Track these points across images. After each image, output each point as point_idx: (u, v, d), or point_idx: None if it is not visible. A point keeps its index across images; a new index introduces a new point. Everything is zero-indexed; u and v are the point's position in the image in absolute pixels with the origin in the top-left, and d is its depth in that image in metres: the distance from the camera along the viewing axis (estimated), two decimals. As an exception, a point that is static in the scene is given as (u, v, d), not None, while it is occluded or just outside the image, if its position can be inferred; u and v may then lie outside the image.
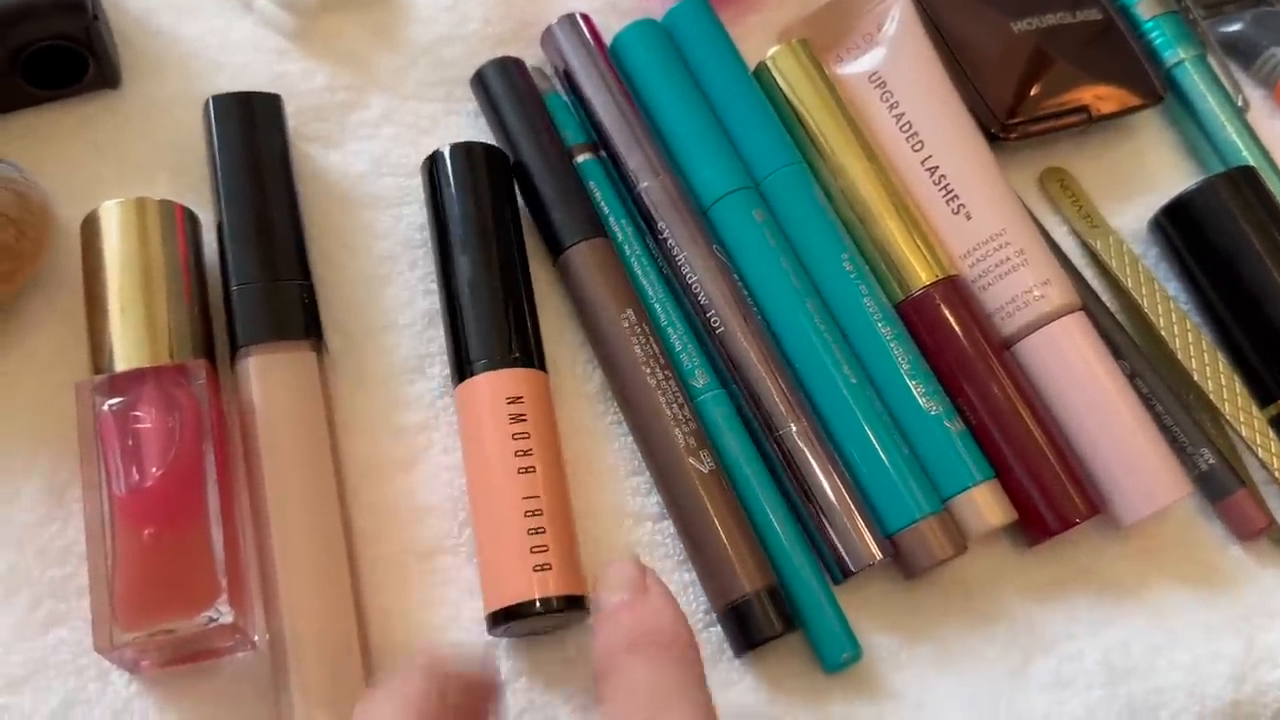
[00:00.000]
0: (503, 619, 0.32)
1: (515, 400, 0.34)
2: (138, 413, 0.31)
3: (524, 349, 0.35)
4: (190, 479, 0.30)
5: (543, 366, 0.36)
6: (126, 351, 0.32)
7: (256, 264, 0.35)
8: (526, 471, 0.33)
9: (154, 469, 0.30)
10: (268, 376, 0.33)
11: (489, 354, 0.35)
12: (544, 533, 0.32)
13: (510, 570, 0.32)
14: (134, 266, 0.33)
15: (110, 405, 0.31)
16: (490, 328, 0.35)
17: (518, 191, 0.39)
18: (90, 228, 0.34)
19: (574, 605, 0.32)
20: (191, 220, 0.35)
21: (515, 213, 0.38)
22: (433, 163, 0.38)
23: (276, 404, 0.33)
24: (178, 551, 0.30)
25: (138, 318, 0.32)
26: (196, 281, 0.34)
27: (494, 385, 0.34)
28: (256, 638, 0.31)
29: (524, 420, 0.34)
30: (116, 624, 0.29)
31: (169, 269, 0.33)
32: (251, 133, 0.37)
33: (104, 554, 0.29)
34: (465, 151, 0.38)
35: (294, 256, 0.36)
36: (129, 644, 0.29)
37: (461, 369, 0.35)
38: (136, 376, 0.32)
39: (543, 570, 0.32)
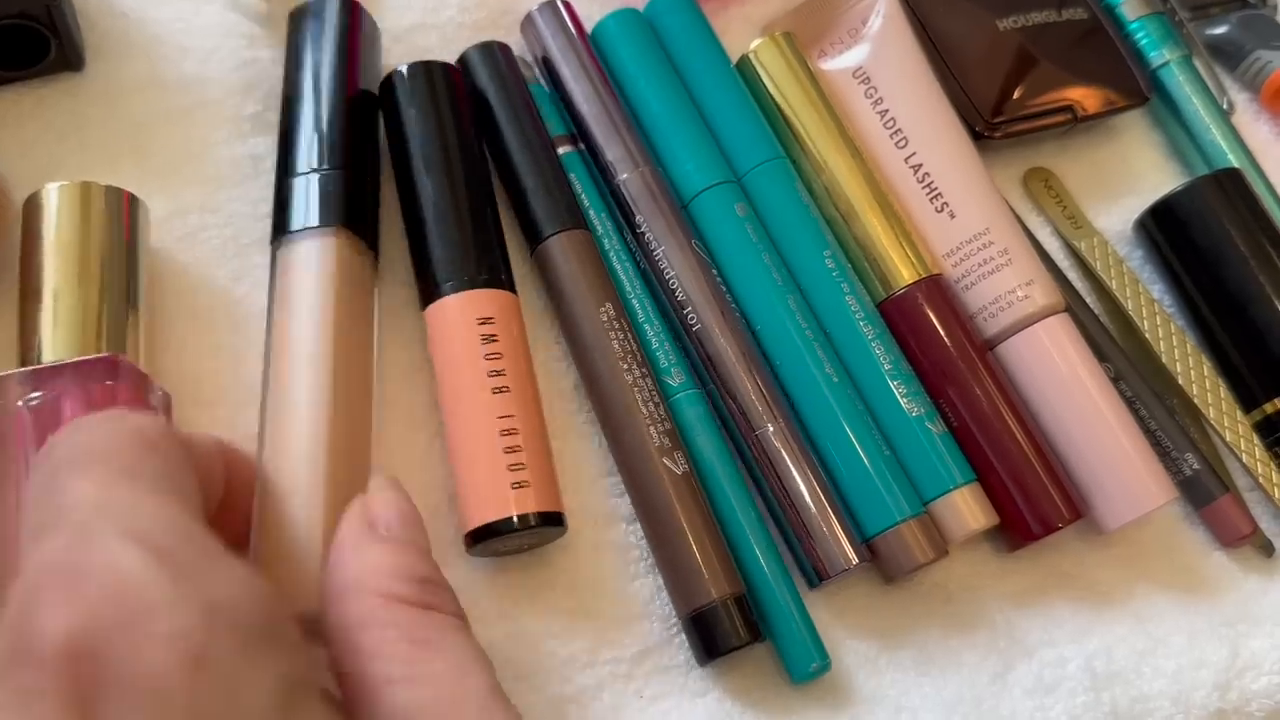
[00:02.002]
0: (481, 537, 0.31)
1: (486, 320, 0.33)
2: (59, 410, 0.29)
3: (492, 269, 0.35)
4: None
5: (512, 288, 0.35)
6: (55, 344, 0.30)
7: (289, 158, 0.35)
8: (501, 391, 0.32)
9: (72, 470, 0.28)
10: (286, 265, 0.33)
11: (456, 275, 0.34)
12: (520, 451, 0.32)
13: (488, 489, 0.32)
14: (72, 254, 0.31)
15: (29, 401, 0.29)
16: (457, 248, 0.34)
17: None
18: (31, 210, 0.32)
19: (553, 522, 0.32)
20: (137, 208, 0.34)
21: (478, 133, 0.37)
22: (390, 84, 0.37)
23: (291, 289, 0.33)
24: None
25: (71, 308, 0.31)
26: (137, 273, 0.33)
27: (464, 306, 0.34)
28: None
29: (495, 340, 0.33)
30: None
31: (108, 258, 0.32)
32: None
33: (12, 562, 0.27)
34: (424, 70, 0.37)
35: (319, 148, 0.35)
36: None
37: (429, 292, 0.34)
38: (58, 371, 0.29)
39: (521, 488, 0.31)
